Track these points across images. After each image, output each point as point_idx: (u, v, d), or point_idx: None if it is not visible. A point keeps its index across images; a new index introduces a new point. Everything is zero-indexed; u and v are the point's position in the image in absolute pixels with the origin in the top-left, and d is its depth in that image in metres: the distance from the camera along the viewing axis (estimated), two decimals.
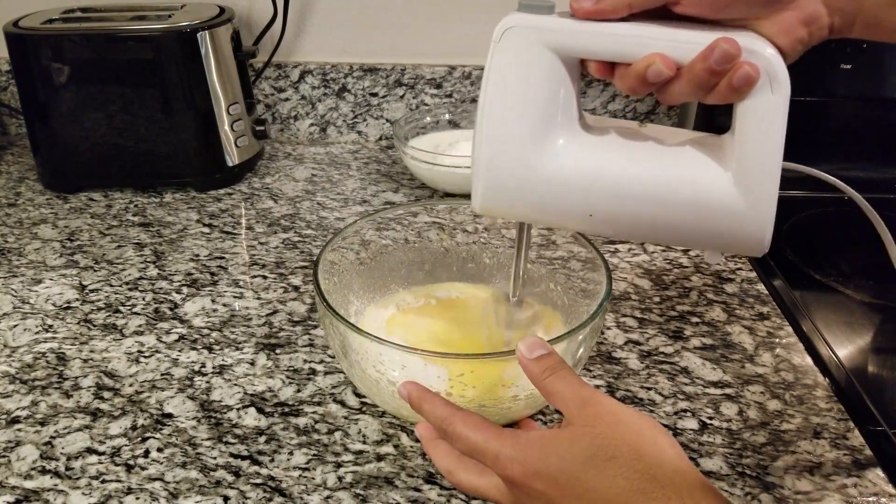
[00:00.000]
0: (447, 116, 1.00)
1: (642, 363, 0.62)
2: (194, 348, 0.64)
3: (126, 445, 0.54)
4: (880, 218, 0.48)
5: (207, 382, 0.60)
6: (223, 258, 0.78)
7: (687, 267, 0.76)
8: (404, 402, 0.49)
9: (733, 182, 0.42)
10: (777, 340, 0.65)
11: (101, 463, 0.52)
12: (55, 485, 0.51)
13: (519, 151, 0.45)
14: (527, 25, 0.42)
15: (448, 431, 0.42)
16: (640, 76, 0.40)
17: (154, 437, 0.54)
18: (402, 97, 1.05)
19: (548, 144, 0.45)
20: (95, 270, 0.76)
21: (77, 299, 0.71)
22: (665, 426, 0.55)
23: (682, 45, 0.40)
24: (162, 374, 0.61)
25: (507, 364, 0.49)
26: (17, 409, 0.57)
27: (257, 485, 0.50)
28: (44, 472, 0.52)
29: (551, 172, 0.45)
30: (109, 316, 0.69)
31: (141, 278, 0.75)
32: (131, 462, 0.52)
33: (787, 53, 0.41)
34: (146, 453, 0.53)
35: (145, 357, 0.63)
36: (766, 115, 0.40)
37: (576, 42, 0.42)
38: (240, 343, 0.65)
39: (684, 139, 0.45)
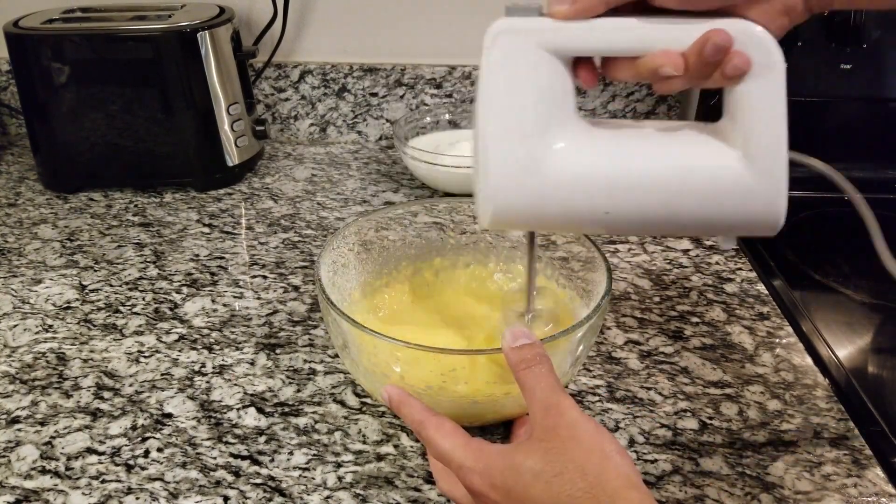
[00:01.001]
0: (447, 116, 1.00)
1: (642, 363, 0.62)
2: (194, 348, 0.64)
3: (126, 445, 0.54)
4: (876, 218, 0.48)
5: (207, 382, 0.60)
6: (223, 258, 0.78)
7: (687, 267, 0.76)
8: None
9: (743, 162, 0.42)
10: (777, 340, 0.65)
11: (101, 463, 0.52)
12: (55, 485, 0.51)
13: (525, 158, 0.44)
14: (518, 29, 0.42)
15: (422, 435, 0.43)
16: (653, 72, 0.41)
17: (154, 437, 0.54)
18: (402, 97, 1.05)
19: (553, 147, 0.44)
20: (95, 270, 0.76)
21: (77, 299, 0.71)
22: (665, 426, 0.55)
23: (676, 39, 0.40)
24: (162, 374, 0.61)
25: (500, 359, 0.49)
26: (17, 409, 0.57)
27: (257, 485, 0.50)
28: (44, 472, 0.52)
29: (562, 175, 0.44)
30: (109, 316, 0.69)
31: (141, 278, 0.75)
32: (131, 462, 0.52)
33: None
34: (146, 453, 0.53)
35: (145, 357, 0.63)
36: (765, 95, 0.41)
37: (569, 40, 0.42)
38: (240, 343, 0.65)
39: (684, 128, 0.45)
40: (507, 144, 0.44)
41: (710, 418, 0.56)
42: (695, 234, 0.51)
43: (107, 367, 0.62)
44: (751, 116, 0.42)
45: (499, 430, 0.55)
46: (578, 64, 0.43)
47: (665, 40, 0.41)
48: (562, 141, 0.44)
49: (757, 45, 0.40)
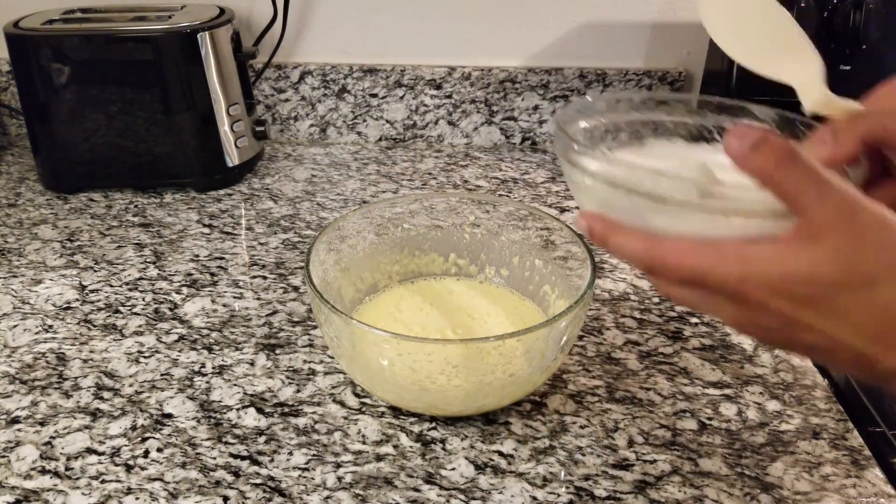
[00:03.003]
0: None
1: (641, 363, 0.62)
2: (194, 348, 0.64)
3: (126, 445, 0.54)
4: None
5: (207, 383, 0.60)
6: (223, 258, 0.78)
7: None
8: (405, 391, 0.51)
9: None
10: None
11: (101, 463, 0.52)
12: (55, 485, 0.51)
13: None
14: None
15: (656, 266, 0.36)
16: None
17: (154, 438, 0.55)
18: (401, 98, 1.05)
19: None
20: (95, 271, 0.76)
21: (77, 299, 0.71)
22: (664, 426, 0.55)
23: None
24: (162, 375, 0.61)
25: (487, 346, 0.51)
26: (17, 409, 0.57)
27: (257, 485, 0.51)
28: (43, 472, 0.52)
29: None
30: (109, 316, 0.69)
31: (141, 279, 0.75)
32: (131, 462, 0.52)
33: None
34: (146, 453, 0.53)
35: (145, 357, 0.63)
36: None
37: None
38: (239, 343, 0.65)
39: None
40: None
41: (710, 419, 0.56)
42: None
43: (107, 367, 0.62)
44: None
45: (477, 420, 0.55)
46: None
47: None
48: None
49: None
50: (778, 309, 0.33)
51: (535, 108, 1.05)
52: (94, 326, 0.67)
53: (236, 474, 0.51)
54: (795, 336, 0.33)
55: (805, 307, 0.32)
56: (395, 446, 0.54)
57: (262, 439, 0.54)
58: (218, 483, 0.51)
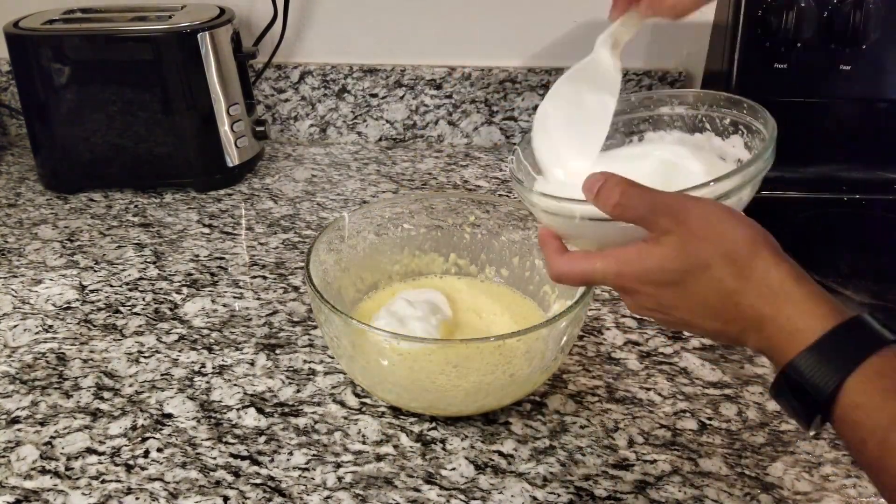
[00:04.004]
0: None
1: (642, 364, 0.62)
2: (194, 348, 0.64)
3: (126, 445, 0.54)
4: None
5: (207, 383, 0.60)
6: (223, 258, 0.78)
7: None
8: (405, 391, 0.52)
9: None
10: None
11: (101, 463, 0.52)
12: (55, 485, 0.51)
13: None
14: None
15: (557, 276, 0.46)
16: None
17: (154, 438, 0.55)
18: (401, 98, 1.05)
19: None
20: (95, 271, 0.76)
21: (77, 300, 0.71)
22: (664, 426, 0.55)
23: None
24: (162, 375, 0.61)
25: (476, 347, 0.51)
26: (17, 409, 0.57)
27: (257, 485, 0.51)
28: (44, 472, 0.52)
29: None
30: (109, 316, 0.69)
31: (141, 279, 0.75)
32: (131, 462, 0.52)
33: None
34: (146, 453, 0.53)
35: (145, 357, 0.63)
36: None
37: None
38: (240, 343, 0.65)
39: None
40: None
41: (710, 419, 0.56)
42: None
43: (107, 367, 0.62)
44: None
45: (477, 420, 0.55)
46: None
47: None
48: None
49: None
50: (647, 292, 0.42)
51: (536, 108, 1.04)
52: (94, 326, 0.67)
53: (236, 474, 0.51)
54: (671, 313, 0.42)
55: (665, 289, 0.41)
56: (395, 446, 0.54)
57: (262, 439, 0.54)
58: (218, 483, 0.51)
